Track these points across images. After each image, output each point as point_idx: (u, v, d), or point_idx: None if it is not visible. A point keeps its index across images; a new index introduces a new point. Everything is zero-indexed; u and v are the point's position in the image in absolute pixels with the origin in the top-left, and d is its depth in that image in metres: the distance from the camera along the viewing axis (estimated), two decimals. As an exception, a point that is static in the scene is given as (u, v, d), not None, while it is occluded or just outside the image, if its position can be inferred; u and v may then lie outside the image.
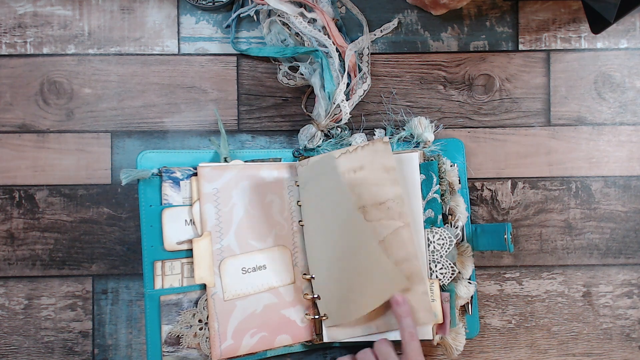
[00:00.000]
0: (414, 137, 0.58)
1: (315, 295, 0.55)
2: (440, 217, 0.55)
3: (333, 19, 0.58)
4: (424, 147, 0.58)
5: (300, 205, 0.57)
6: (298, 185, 0.57)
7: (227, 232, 0.54)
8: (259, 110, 0.60)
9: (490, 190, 0.60)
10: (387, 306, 0.53)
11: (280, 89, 0.60)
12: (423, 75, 0.60)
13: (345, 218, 0.53)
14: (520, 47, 0.60)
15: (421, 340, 0.56)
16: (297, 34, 0.58)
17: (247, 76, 0.60)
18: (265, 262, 0.55)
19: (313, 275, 0.56)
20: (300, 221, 0.56)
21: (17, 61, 0.59)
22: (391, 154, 0.53)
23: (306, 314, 0.56)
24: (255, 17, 0.58)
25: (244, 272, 0.54)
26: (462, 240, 0.57)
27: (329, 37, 0.57)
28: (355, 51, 0.58)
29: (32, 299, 0.58)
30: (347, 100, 0.58)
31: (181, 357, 0.53)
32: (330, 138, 0.58)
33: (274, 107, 0.60)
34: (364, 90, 0.59)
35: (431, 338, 0.54)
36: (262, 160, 0.57)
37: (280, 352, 0.56)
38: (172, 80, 0.59)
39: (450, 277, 0.54)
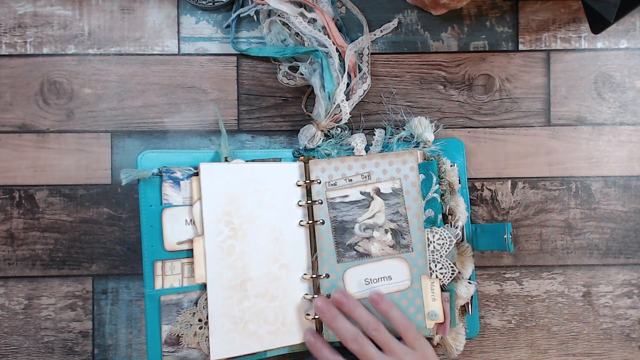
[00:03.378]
0: (414, 137, 0.58)
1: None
2: (440, 216, 0.55)
3: (333, 19, 0.58)
4: (424, 147, 0.58)
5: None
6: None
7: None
8: (259, 110, 0.60)
9: (490, 190, 0.60)
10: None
11: (280, 89, 0.60)
12: (423, 75, 0.60)
13: None
14: (520, 47, 0.60)
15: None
16: (297, 34, 0.58)
17: (247, 76, 0.60)
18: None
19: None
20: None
21: (17, 61, 0.59)
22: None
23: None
24: (255, 17, 0.58)
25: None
26: (462, 240, 0.57)
27: (329, 37, 0.57)
28: (355, 51, 0.58)
29: (32, 299, 0.58)
30: (347, 100, 0.58)
31: (181, 357, 0.53)
32: (330, 138, 0.58)
33: (274, 107, 0.60)
34: (364, 90, 0.59)
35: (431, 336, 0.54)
36: (262, 160, 0.57)
37: (280, 352, 0.56)
38: (172, 80, 0.59)
39: (450, 277, 0.54)
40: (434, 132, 0.58)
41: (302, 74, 0.58)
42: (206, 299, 0.53)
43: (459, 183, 0.57)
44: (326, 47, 0.57)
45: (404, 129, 0.58)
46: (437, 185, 0.55)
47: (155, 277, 0.53)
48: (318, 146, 0.58)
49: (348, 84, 0.58)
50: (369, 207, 0.56)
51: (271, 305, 0.55)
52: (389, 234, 0.55)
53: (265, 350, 0.55)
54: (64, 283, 0.58)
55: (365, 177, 0.56)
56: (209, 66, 0.59)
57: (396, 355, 0.50)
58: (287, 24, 0.58)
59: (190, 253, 0.54)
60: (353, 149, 0.58)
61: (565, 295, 0.60)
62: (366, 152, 0.58)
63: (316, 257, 0.56)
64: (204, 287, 0.54)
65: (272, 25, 0.58)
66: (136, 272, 0.58)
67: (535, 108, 0.60)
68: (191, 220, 0.54)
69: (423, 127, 0.57)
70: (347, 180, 0.56)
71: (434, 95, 0.60)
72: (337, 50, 0.57)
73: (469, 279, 0.56)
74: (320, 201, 0.56)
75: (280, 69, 0.59)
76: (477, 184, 0.60)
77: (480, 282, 0.60)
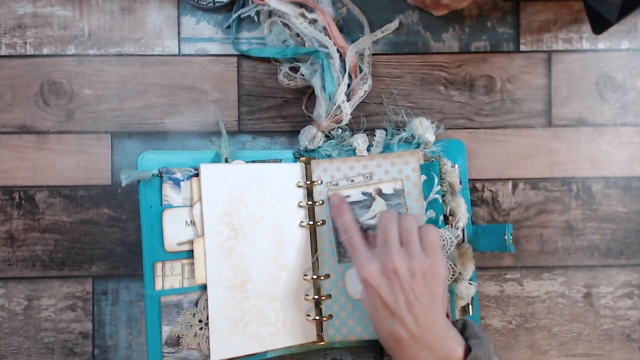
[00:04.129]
0: (414, 138, 0.58)
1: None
2: (441, 217, 0.55)
3: (334, 20, 0.58)
4: (425, 148, 0.57)
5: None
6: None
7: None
8: (260, 111, 0.59)
9: (491, 191, 0.60)
10: None
11: (280, 90, 0.60)
12: (424, 76, 0.60)
13: None
14: (522, 47, 0.60)
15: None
16: (297, 35, 0.58)
17: (247, 77, 0.59)
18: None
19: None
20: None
21: (17, 62, 0.59)
22: None
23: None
24: (255, 17, 0.58)
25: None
26: (463, 241, 0.57)
27: (329, 37, 0.57)
28: (356, 52, 0.58)
29: (32, 300, 0.58)
30: (347, 101, 0.57)
31: (181, 357, 0.53)
32: (331, 139, 0.58)
33: (275, 108, 0.59)
34: (365, 91, 0.59)
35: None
36: (263, 161, 0.57)
37: (280, 353, 0.56)
38: (172, 81, 0.59)
39: (451, 278, 0.54)
40: (434, 133, 0.58)
41: (303, 75, 0.58)
42: (206, 299, 0.53)
43: (460, 184, 0.57)
44: (327, 47, 0.57)
45: (404, 130, 0.58)
46: (439, 186, 0.55)
47: (156, 278, 0.53)
48: (319, 147, 0.58)
49: (349, 85, 0.58)
50: (370, 207, 0.56)
51: (272, 305, 0.55)
52: (389, 235, 0.55)
53: (266, 351, 0.55)
54: (64, 284, 0.58)
55: (367, 177, 0.56)
56: (209, 67, 0.59)
57: (410, 249, 0.48)
58: (287, 25, 0.58)
59: (190, 254, 0.54)
60: (354, 150, 0.57)
61: (566, 296, 0.60)
62: (367, 152, 0.58)
63: (317, 257, 0.56)
64: (204, 287, 0.54)
65: (272, 25, 0.58)
66: (136, 273, 0.58)
67: (537, 109, 0.60)
68: (191, 221, 0.54)
69: (424, 128, 0.57)
70: (349, 180, 0.56)
71: (435, 96, 0.60)
72: (338, 51, 0.57)
73: (470, 279, 0.56)
74: (321, 201, 0.56)
75: (280, 70, 0.59)
76: (478, 185, 0.60)
77: (480, 282, 0.60)
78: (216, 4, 0.58)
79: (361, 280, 0.48)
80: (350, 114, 0.57)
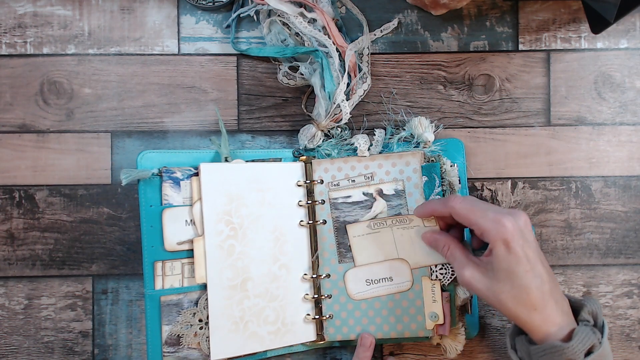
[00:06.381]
0: (414, 137, 0.58)
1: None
2: (441, 218, 0.55)
3: (333, 19, 0.58)
4: (424, 147, 0.58)
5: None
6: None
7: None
8: (259, 110, 0.60)
9: (490, 190, 0.60)
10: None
11: (280, 89, 0.60)
12: (423, 75, 0.60)
13: None
14: (520, 47, 0.60)
15: (421, 339, 0.56)
16: (297, 34, 0.58)
17: (247, 76, 0.60)
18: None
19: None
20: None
21: (17, 61, 0.59)
22: None
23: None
24: (255, 17, 0.58)
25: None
26: (462, 240, 0.57)
27: (329, 37, 0.57)
28: (355, 51, 0.58)
29: (32, 299, 0.58)
30: (347, 100, 0.58)
31: (182, 357, 0.53)
32: (331, 138, 0.58)
33: (274, 107, 0.60)
34: (364, 90, 0.59)
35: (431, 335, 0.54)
36: (262, 161, 0.57)
37: (280, 352, 0.56)
38: (172, 80, 0.59)
39: (451, 277, 0.54)
40: (434, 132, 0.58)
41: (302, 74, 0.58)
42: (206, 299, 0.53)
43: (459, 183, 0.57)
44: (326, 47, 0.57)
45: (404, 129, 0.58)
46: (440, 187, 0.55)
47: (156, 277, 0.53)
48: (318, 146, 0.58)
49: (348, 84, 0.58)
50: (371, 208, 0.56)
51: (271, 305, 0.55)
52: (389, 234, 0.56)
53: (266, 350, 0.55)
54: (64, 283, 0.58)
55: (368, 178, 0.56)
56: (209, 66, 0.59)
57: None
58: (287, 24, 0.58)
59: (190, 253, 0.54)
60: (354, 149, 0.58)
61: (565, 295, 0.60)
62: (368, 152, 0.58)
63: (316, 257, 0.56)
64: (204, 287, 0.54)
65: (272, 25, 0.58)
66: (136, 272, 0.58)
67: (535, 108, 0.60)
68: (191, 220, 0.54)
69: (423, 127, 0.58)
70: (350, 180, 0.56)
71: (434, 95, 0.60)
72: (337, 50, 0.57)
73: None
74: (322, 201, 0.56)
75: (280, 69, 0.59)
76: (477, 184, 0.60)
77: (480, 282, 0.60)
78: (216, 4, 0.58)
79: (498, 240, 0.46)
80: (350, 113, 0.58)
